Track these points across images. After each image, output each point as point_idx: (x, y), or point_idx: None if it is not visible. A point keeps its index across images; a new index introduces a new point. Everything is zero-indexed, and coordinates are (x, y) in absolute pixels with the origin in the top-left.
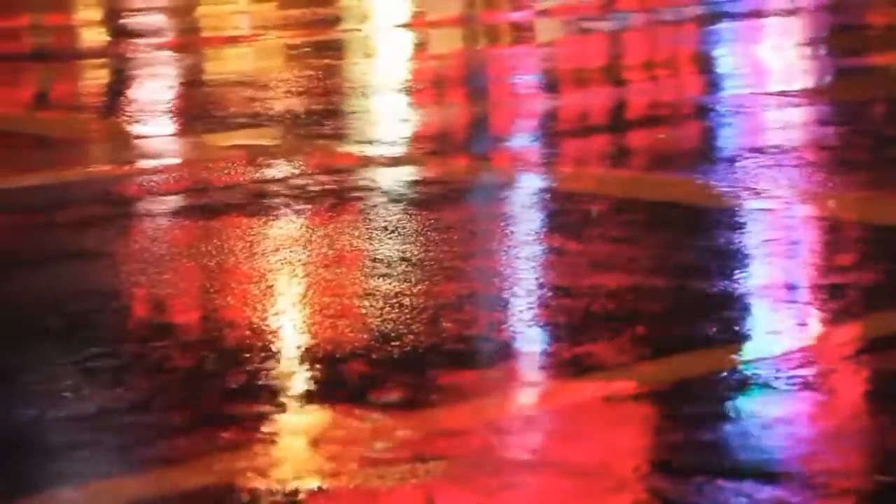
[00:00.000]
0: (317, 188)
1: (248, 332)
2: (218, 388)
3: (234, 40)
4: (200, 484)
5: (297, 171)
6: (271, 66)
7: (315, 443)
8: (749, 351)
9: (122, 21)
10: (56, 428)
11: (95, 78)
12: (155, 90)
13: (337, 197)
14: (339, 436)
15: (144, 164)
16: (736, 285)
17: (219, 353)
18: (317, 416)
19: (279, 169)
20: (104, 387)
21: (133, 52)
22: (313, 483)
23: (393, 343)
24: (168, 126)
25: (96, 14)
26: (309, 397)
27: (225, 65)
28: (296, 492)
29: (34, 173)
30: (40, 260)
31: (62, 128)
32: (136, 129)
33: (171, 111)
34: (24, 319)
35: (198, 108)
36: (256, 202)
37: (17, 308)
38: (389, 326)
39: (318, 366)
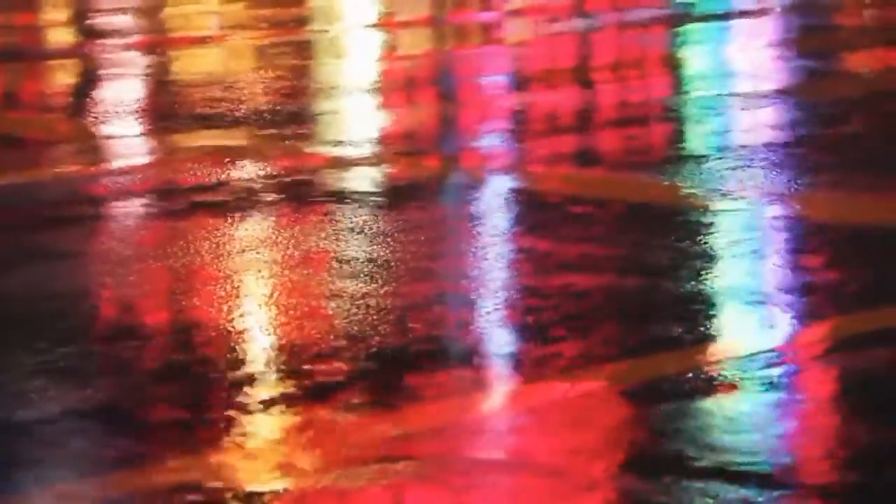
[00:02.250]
0: (285, 189)
1: (215, 334)
2: (185, 389)
3: (202, 41)
4: (167, 485)
5: (264, 172)
6: (240, 67)
7: (283, 444)
8: (717, 351)
9: (89, 21)
10: (23, 429)
11: (63, 78)
12: (123, 90)
13: (305, 198)
14: (307, 437)
15: (112, 164)
16: (704, 286)
17: (185, 354)
18: (285, 417)
19: (247, 170)
20: (71, 388)
21: (101, 53)
22: (282, 484)
23: (361, 344)
24: (136, 126)
25: (64, 14)
26: (277, 398)
27: (193, 65)
28: (265, 493)
29: (1, 173)
30: (6, 260)
31: (30, 128)
32: (103, 129)
33: (138, 111)
34: None
35: (166, 109)
36: (224, 203)
37: None
38: (357, 327)
39: (285, 367)
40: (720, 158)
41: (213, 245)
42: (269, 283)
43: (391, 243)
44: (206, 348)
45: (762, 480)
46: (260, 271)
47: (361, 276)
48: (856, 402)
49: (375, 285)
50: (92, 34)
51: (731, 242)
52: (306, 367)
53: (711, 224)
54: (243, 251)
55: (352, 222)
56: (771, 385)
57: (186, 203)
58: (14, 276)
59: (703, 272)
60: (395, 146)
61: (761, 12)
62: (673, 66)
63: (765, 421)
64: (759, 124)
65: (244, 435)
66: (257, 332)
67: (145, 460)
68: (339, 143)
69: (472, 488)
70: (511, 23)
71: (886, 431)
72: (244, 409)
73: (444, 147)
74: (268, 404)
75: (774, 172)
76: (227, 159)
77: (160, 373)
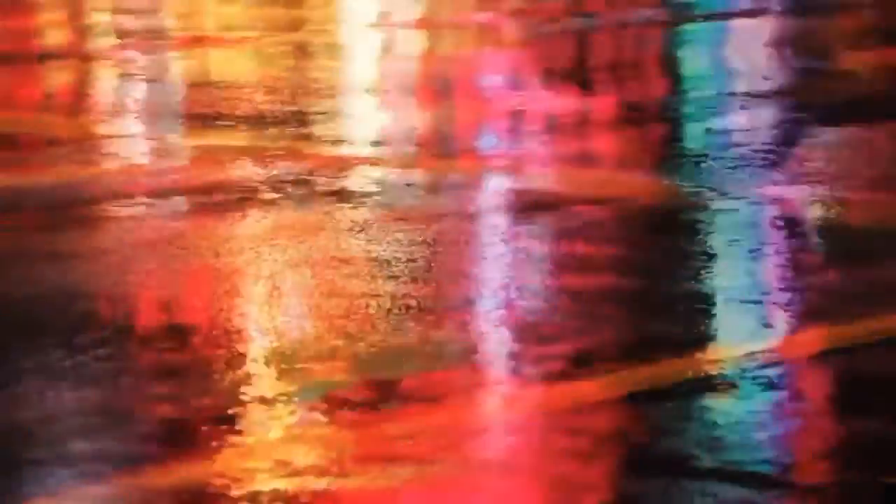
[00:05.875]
0: (287, 189)
1: (217, 333)
2: (187, 389)
3: (204, 41)
4: (171, 486)
5: (266, 172)
6: (243, 67)
7: (284, 445)
8: (716, 351)
9: (90, 22)
10: (25, 430)
11: (63, 79)
12: (125, 91)
13: (307, 197)
14: (308, 438)
15: (115, 165)
16: (703, 286)
17: (188, 354)
18: (285, 419)
19: (249, 170)
20: (72, 389)
21: (103, 53)
22: (282, 485)
23: (359, 345)
24: (138, 127)
25: (61, 15)
26: (278, 399)
27: (196, 66)
28: (266, 493)
29: (1, 174)
30: (8, 262)
31: (31, 129)
32: (106, 129)
33: (141, 112)
34: None
35: (168, 109)
36: (227, 203)
37: None
38: (357, 328)
39: (285, 368)
40: (718, 158)
41: (216, 245)
42: (271, 283)
43: (392, 243)
44: (209, 349)
45: (760, 480)
46: (261, 271)
47: (362, 275)
48: (853, 401)
49: (376, 285)
50: (93, 35)
51: (730, 242)
52: (307, 367)
53: (710, 224)
54: (243, 251)
55: (352, 222)
56: (769, 385)
57: (190, 203)
58: (19, 277)
59: (702, 272)
60: (397, 147)
61: (760, 12)
62: (671, 65)
63: (763, 421)
64: (758, 124)
65: (246, 436)
66: (259, 332)
67: (151, 463)
68: (340, 143)
69: (472, 491)
70: (509, 23)
71: (883, 431)
72: (246, 411)
73: (444, 148)
74: (271, 405)
75: (772, 172)
76: (230, 159)
77: (164, 373)
